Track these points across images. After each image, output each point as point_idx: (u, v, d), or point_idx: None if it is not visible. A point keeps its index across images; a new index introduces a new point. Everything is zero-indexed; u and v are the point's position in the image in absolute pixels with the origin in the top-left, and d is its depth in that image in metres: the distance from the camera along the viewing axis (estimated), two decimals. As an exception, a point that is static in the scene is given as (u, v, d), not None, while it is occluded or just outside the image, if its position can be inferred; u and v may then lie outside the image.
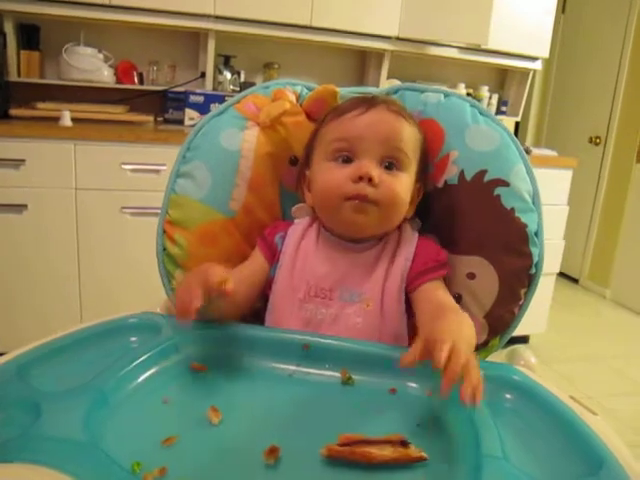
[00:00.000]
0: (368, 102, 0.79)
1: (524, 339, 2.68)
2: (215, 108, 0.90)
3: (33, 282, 2.03)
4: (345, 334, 0.73)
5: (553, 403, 0.58)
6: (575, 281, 3.79)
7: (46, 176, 1.94)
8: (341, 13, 2.43)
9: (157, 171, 2.01)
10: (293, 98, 0.89)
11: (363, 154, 0.77)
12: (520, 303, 0.82)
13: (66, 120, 2.01)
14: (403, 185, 0.78)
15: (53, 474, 0.42)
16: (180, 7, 2.24)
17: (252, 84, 2.44)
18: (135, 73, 2.42)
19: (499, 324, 0.81)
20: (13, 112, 2.08)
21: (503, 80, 3.06)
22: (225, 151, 0.86)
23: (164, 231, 0.85)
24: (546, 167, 2.42)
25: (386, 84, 0.95)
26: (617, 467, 0.48)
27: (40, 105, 2.13)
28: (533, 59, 2.83)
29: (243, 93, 0.91)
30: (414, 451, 0.49)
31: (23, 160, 1.91)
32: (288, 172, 0.89)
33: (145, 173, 2.02)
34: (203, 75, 2.50)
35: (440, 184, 0.85)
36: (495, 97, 2.96)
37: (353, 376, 0.64)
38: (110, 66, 2.34)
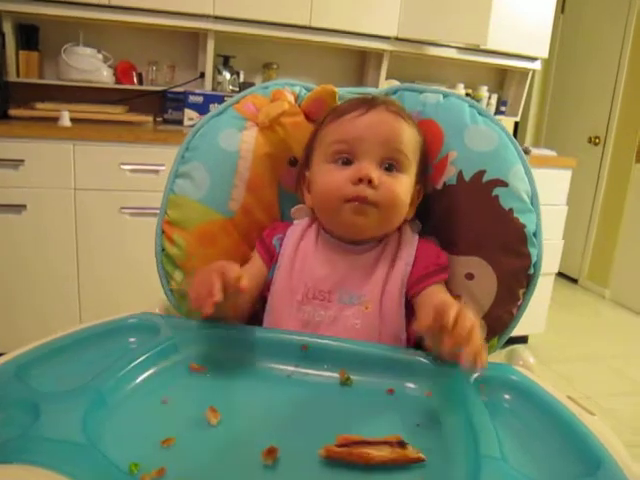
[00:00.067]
0: (368, 103, 0.79)
1: (523, 339, 2.68)
2: (214, 108, 0.90)
3: (32, 282, 2.03)
4: (344, 336, 0.73)
5: (551, 403, 0.58)
6: (574, 281, 3.79)
7: (45, 176, 1.94)
8: (340, 13, 2.43)
9: (156, 171, 2.01)
10: (292, 99, 0.90)
11: (363, 156, 0.77)
12: (519, 303, 0.82)
13: (65, 120, 2.01)
14: (403, 187, 0.78)
15: (51, 475, 0.42)
16: (179, 7, 2.24)
17: (251, 84, 2.44)
18: (134, 73, 2.42)
19: (498, 324, 0.82)
20: (12, 112, 2.08)
21: (502, 80, 3.07)
22: (224, 152, 0.86)
23: (163, 231, 0.86)
24: (545, 167, 2.42)
25: (385, 84, 0.95)
26: (615, 467, 0.48)
27: (39, 105, 2.13)
28: (532, 59, 2.84)
29: (242, 93, 0.91)
30: (412, 452, 0.49)
31: (22, 160, 1.91)
32: (287, 173, 0.89)
33: (144, 173, 2.02)
34: (202, 75, 2.51)
35: (439, 185, 0.85)
36: (494, 97, 2.96)
37: (351, 377, 0.64)
38: (109, 66, 2.34)
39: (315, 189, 0.81)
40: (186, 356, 0.65)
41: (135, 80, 2.42)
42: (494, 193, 0.81)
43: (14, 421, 0.49)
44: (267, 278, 0.82)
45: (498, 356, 0.79)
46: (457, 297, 0.82)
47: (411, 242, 0.81)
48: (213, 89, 2.50)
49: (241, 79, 2.56)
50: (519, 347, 0.82)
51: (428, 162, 0.84)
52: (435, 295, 0.77)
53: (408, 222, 0.84)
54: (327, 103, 0.88)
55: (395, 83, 0.94)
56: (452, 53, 2.70)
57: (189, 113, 2.34)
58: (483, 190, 0.81)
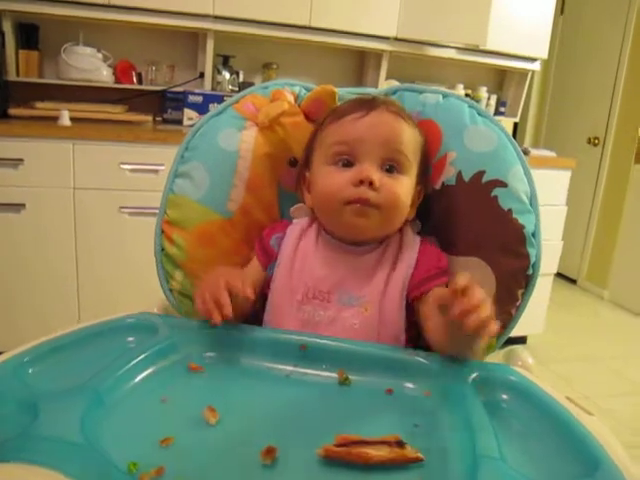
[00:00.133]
0: (368, 104, 0.79)
1: (522, 340, 2.68)
2: (214, 108, 0.90)
3: (31, 281, 2.03)
4: (342, 336, 0.72)
5: (549, 404, 0.58)
6: (573, 282, 3.79)
7: (44, 175, 1.94)
8: (340, 13, 2.43)
9: (156, 171, 2.01)
10: (291, 99, 0.90)
11: (363, 157, 0.76)
12: (517, 304, 0.82)
13: (65, 120, 2.01)
14: (404, 188, 0.78)
15: (50, 474, 0.42)
16: (179, 7, 2.24)
17: (251, 84, 2.44)
18: (134, 73, 2.42)
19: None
20: (12, 111, 2.08)
21: (502, 81, 3.07)
22: (223, 152, 0.86)
23: (162, 231, 0.86)
24: (545, 168, 2.42)
25: (384, 85, 0.95)
26: (613, 468, 0.48)
27: (39, 104, 2.13)
28: (532, 60, 2.84)
29: (242, 93, 0.91)
30: (410, 451, 0.49)
31: (22, 159, 1.90)
32: (287, 173, 0.89)
33: (144, 173, 2.02)
34: (202, 75, 2.50)
35: (438, 185, 0.85)
36: (494, 98, 2.96)
37: (350, 376, 0.64)
38: (109, 66, 2.34)
39: (316, 190, 0.81)
40: (184, 356, 0.65)
41: (135, 80, 2.42)
42: (493, 194, 0.81)
43: (12, 420, 0.49)
44: (265, 278, 0.82)
45: (496, 356, 0.80)
46: None
47: (413, 244, 0.81)
48: (213, 89, 2.50)
49: (241, 79, 2.56)
50: (518, 347, 0.82)
51: (429, 163, 0.84)
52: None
53: (409, 223, 0.84)
54: (327, 103, 0.88)
55: (394, 83, 0.94)
56: (451, 53, 2.70)
57: (188, 113, 2.34)
58: (482, 190, 0.82)
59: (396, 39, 2.56)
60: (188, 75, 2.52)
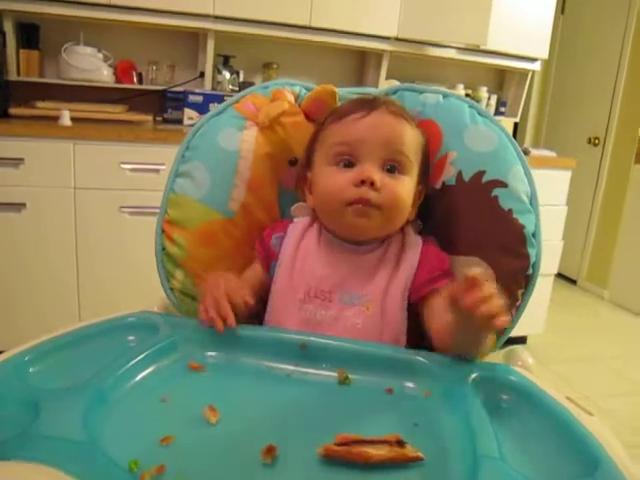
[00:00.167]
0: (369, 104, 0.79)
1: (522, 340, 2.68)
2: (214, 108, 0.90)
3: (31, 280, 2.03)
4: (344, 335, 0.73)
5: (549, 404, 0.59)
6: (573, 282, 3.79)
7: (45, 175, 1.94)
8: (340, 13, 2.43)
9: (156, 170, 2.01)
10: (292, 98, 0.90)
11: (365, 158, 0.76)
12: (517, 304, 0.82)
13: (65, 119, 2.01)
14: (405, 188, 0.78)
15: (51, 472, 0.42)
16: (179, 7, 2.24)
17: (251, 84, 2.44)
18: (134, 73, 2.42)
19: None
20: (12, 111, 2.08)
21: (502, 81, 3.07)
22: (224, 151, 0.86)
23: (163, 230, 0.86)
24: (545, 168, 2.42)
25: (385, 84, 0.95)
26: (613, 468, 0.48)
27: (39, 104, 2.13)
28: (532, 60, 2.84)
29: (242, 93, 0.91)
30: (410, 451, 0.49)
31: (22, 159, 1.91)
32: (287, 173, 0.89)
33: (144, 172, 2.02)
34: (202, 75, 2.50)
35: (438, 185, 0.85)
36: (494, 98, 2.96)
37: (350, 376, 0.64)
38: (109, 66, 2.34)
39: (317, 191, 0.81)
40: (185, 354, 0.65)
41: (135, 79, 2.42)
42: (493, 194, 0.81)
43: (13, 419, 0.49)
44: (266, 279, 0.82)
45: (497, 356, 0.80)
46: None
47: (415, 245, 0.81)
48: (213, 89, 2.50)
49: (241, 79, 2.56)
50: (518, 347, 0.82)
51: (430, 162, 0.84)
52: (445, 306, 0.77)
53: (410, 222, 0.84)
54: (327, 103, 0.88)
55: (395, 83, 0.94)
56: (452, 53, 2.70)
57: (189, 112, 2.34)
58: (482, 190, 0.82)
59: (396, 39, 2.56)
60: (188, 75, 2.52)
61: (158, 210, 0.86)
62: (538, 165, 2.37)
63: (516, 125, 3.13)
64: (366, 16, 2.47)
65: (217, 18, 2.31)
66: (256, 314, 0.82)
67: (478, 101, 2.82)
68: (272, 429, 0.53)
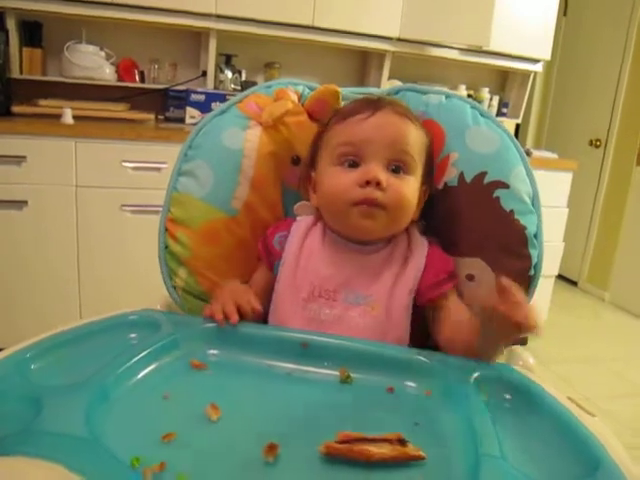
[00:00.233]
0: (374, 105, 0.79)
1: (522, 340, 2.68)
2: (216, 107, 0.90)
3: (32, 279, 2.03)
4: (349, 335, 0.72)
5: (551, 404, 0.59)
6: (574, 284, 3.79)
7: (47, 173, 1.95)
8: (343, 14, 2.43)
9: (158, 169, 2.02)
10: (295, 98, 0.90)
11: (370, 158, 0.76)
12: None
13: (67, 117, 2.01)
14: (410, 188, 0.78)
15: (53, 467, 0.42)
16: (182, 6, 2.24)
17: (253, 83, 2.44)
18: (136, 71, 2.42)
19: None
20: (15, 109, 2.08)
21: (504, 82, 3.07)
22: (227, 150, 0.86)
23: (166, 229, 0.86)
24: (546, 169, 2.43)
25: (387, 85, 0.95)
26: (614, 468, 0.48)
27: (42, 102, 2.13)
28: (534, 61, 2.84)
29: (245, 92, 0.91)
30: (412, 449, 0.49)
31: (24, 157, 1.91)
32: (290, 171, 0.90)
33: (146, 171, 2.02)
34: (204, 74, 2.51)
35: (440, 186, 0.85)
36: (496, 99, 2.96)
37: (351, 375, 0.64)
38: (112, 64, 2.34)
39: (322, 191, 0.81)
40: (187, 352, 0.65)
41: (137, 78, 2.42)
42: (495, 195, 0.81)
43: (15, 415, 0.49)
44: (272, 278, 0.82)
45: (498, 357, 0.80)
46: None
47: (421, 246, 0.81)
48: (215, 88, 2.51)
49: (243, 78, 2.56)
50: (518, 348, 0.82)
51: (434, 162, 0.84)
52: (455, 310, 0.78)
53: (415, 223, 0.84)
54: (330, 103, 0.88)
55: (397, 83, 0.94)
56: (454, 54, 2.70)
57: (191, 111, 2.35)
58: (484, 192, 0.82)
59: (399, 39, 2.56)
60: (190, 74, 2.52)
61: (160, 209, 0.86)
62: (539, 166, 2.37)
63: (518, 126, 3.13)
64: (369, 16, 2.47)
65: (219, 17, 2.32)
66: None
67: (480, 102, 2.82)
68: (274, 427, 0.53)
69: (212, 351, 0.67)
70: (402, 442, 0.50)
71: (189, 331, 0.68)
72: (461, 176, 0.83)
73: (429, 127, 0.85)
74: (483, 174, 0.82)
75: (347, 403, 0.60)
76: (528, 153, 2.46)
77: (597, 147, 3.62)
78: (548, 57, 2.82)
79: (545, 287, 2.55)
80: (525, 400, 0.60)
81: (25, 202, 1.95)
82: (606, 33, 3.55)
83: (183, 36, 2.49)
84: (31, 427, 0.47)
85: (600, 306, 3.46)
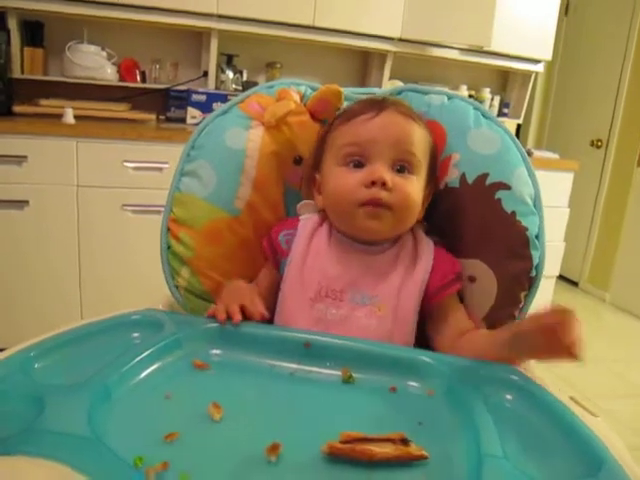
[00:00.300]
0: (378, 105, 0.79)
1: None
2: (217, 107, 0.90)
3: (33, 278, 2.03)
4: (356, 335, 0.72)
5: (553, 404, 0.59)
6: (575, 284, 3.79)
7: (48, 173, 1.95)
8: (344, 13, 2.43)
9: (159, 169, 2.01)
10: (297, 98, 0.90)
11: (375, 158, 0.76)
12: (520, 306, 0.82)
13: (69, 117, 2.01)
14: (415, 188, 0.78)
15: (56, 467, 0.42)
16: (183, 6, 2.25)
17: (254, 83, 2.44)
18: (138, 71, 2.43)
19: (499, 326, 0.81)
20: (16, 109, 2.08)
21: (505, 82, 3.07)
22: (230, 150, 0.86)
23: (168, 229, 0.86)
24: (547, 169, 2.43)
25: (388, 85, 0.95)
26: (617, 469, 0.48)
27: (43, 102, 2.13)
28: (535, 61, 2.84)
29: (247, 92, 0.91)
30: (415, 449, 0.49)
31: (25, 156, 1.91)
32: (292, 172, 0.90)
33: (147, 171, 2.03)
34: (205, 74, 2.51)
35: (441, 186, 0.85)
36: (497, 99, 2.96)
37: (354, 375, 0.64)
38: (113, 64, 2.35)
39: (327, 192, 0.81)
40: (190, 352, 0.65)
41: (138, 78, 2.43)
42: (497, 196, 0.81)
43: (18, 415, 0.49)
44: (279, 277, 0.82)
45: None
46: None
47: (428, 247, 0.81)
48: (216, 88, 2.51)
49: (244, 78, 2.56)
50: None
51: (437, 162, 0.85)
52: (453, 312, 0.79)
53: (419, 223, 0.84)
54: (332, 103, 0.88)
55: (398, 84, 0.94)
56: (455, 54, 2.70)
57: (192, 111, 2.35)
58: (486, 193, 0.82)
59: (400, 39, 2.57)
60: (192, 74, 2.53)
61: (161, 208, 0.87)
62: (541, 167, 2.37)
63: (519, 126, 3.13)
64: (370, 16, 2.47)
65: (221, 17, 2.32)
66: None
67: (481, 102, 2.82)
68: (276, 427, 0.53)
69: (215, 351, 0.67)
70: (405, 442, 0.50)
71: (192, 331, 0.68)
72: (463, 177, 0.83)
73: (431, 128, 0.85)
74: (485, 175, 0.82)
75: (350, 403, 0.60)
76: (529, 153, 2.46)
77: (598, 147, 3.62)
78: (549, 57, 2.82)
79: (546, 287, 2.54)
80: (527, 400, 0.60)
81: (26, 202, 1.95)
82: (607, 33, 3.55)
83: (184, 36, 2.49)
84: (33, 426, 0.47)
85: (601, 307, 3.46)
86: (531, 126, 3.99)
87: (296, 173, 0.89)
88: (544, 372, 0.66)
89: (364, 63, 2.82)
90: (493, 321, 0.81)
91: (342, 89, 0.89)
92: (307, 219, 0.85)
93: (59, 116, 2.02)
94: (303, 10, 2.38)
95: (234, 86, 2.51)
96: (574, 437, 0.53)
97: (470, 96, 2.76)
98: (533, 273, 0.81)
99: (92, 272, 2.07)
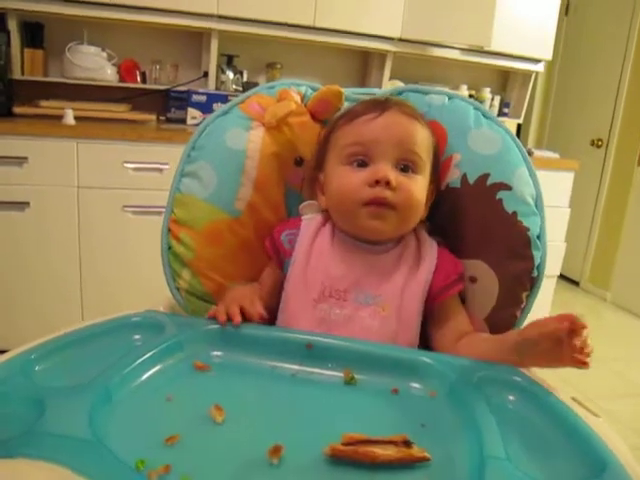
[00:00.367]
0: (381, 105, 0.79)
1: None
2: (218, 108, 0.90)
3: (34, 280, 2.03)
4: (360, 335, 0.73)
5: (555, 405, 0.58)
6: (576, 284, 3.78)
7: (48, 174, 1.95)
8: (344, 14, 2.43)
9: (159, 170, 2.01)
10: (298, 98, 0.89)
11: (378, 157, 0.76)
12: (522, 306, 0.82)
13: (69, 118, 2.01)
14: (419, 187, 0.78)
15: (56, 469, 0.42)
16: (183, 6, 2.25)
17: (255, 84, 2.44)
18: (138, 72, 2.42)
19: (500, 327, 0.81)
20: (17, 110, 2.08)
21: (505, 82, 3.07)
22: (230, 151, 0.86)
23: (169, 230, 0.86)
24: (548, 169, 2.42)
25: (388, 85, 0.95)
26: (620, 470, 0.48)
27: (43, 103, 2.13)
28: (536, 61, 2.84)
29: (247, 93, 0.91)
30: (417, 451, 0.49)
31: (26, 158, 1.91)
32: (293, 173, 0.89)
33: (147, 172, 2.02)
34: (206, 74, 2.51)
35: (442, 186, 0.85)
36: (497, 99, 2.96)
37: (356, 376, 0.64)
38: (113, 65, 2.34)
39: (331, 190, 0.81)
40: (190, 354, 0.65)
41: (139, 79, 2.43)
42: (498, 196, 0.81)
43: (19, 417, 0.49)
44: (282, 277, 0.82)
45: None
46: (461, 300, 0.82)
47: (431, 247, 0.81)
48: (216, 88, 2.51)
49: (244, 79, 2.56)
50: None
51: (440, 162, 0.85)
52: (454, 314, 0.79)
53: (422, 223, 0.84)
54: (333, 103, 0.88)
55: (398, 84, 0.94)
56: (455, 54, 2.70)
57: (192, 112, 2.35)
58: (487, 193, 0.81)
59: (400, 39, 2.56)
60: (192, 74, 2.52)
61: (162, 209, 0.86)
62: (541, 166, 2.37)
63: (519, 126, 3.13)
64: (370, 16, 2.47)
65: (221, 18, 2.32)
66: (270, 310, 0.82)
67: (481, 102, 2.82)
68: (278, 429, 0.53)
69: (216, 352, 0.67)
70: (407, 444, 0.50)
71: (193, 333, 0.68)
72: (464, 177, 0.83)
73: (432, 128, 0.85)
74: (486, 176, 0.82)
75: (352, 404, 0.60)
76: (530, 153, 2.45)
77: (599, 147, 3.62)
78: (549, 57, 2.82)
79: (547, 287, 2.53)
80: (530, 401, 0.60)
81: (27, 203, 1.95)
82: (608, 32, 3.55)
83: (184, 37, 2.49)
84: (34, 429, 0.46)
85: (602, 306, 3.46)
86: (531, 126, 3.99)
87: (297, 174, 0.89)
88: (544, 372, 0.66)
89: (364, 63, 2.81)
90: (494, 322, 0.81)
91: (343, 89, 0.89)
92: (310, 219, 0.85)
93: (59, 117, 2.01)
94: (303, 10, 2.38)
95: (234, 87, 2.51)
96: (577, 438, 0.53)
97: (470, 96, 2.76)
98: (535, 273, 0.81)
99: (93, 273, 2.07)
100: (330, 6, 2.40)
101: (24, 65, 2.24)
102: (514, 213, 0.80)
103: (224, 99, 2.31)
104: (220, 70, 2.50)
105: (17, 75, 2.21)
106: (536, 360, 0.65)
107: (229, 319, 0.69)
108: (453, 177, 0.84)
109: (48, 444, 0.45)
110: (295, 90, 0.91)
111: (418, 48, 2.63)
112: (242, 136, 0.86)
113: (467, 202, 0.83)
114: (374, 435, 0.50)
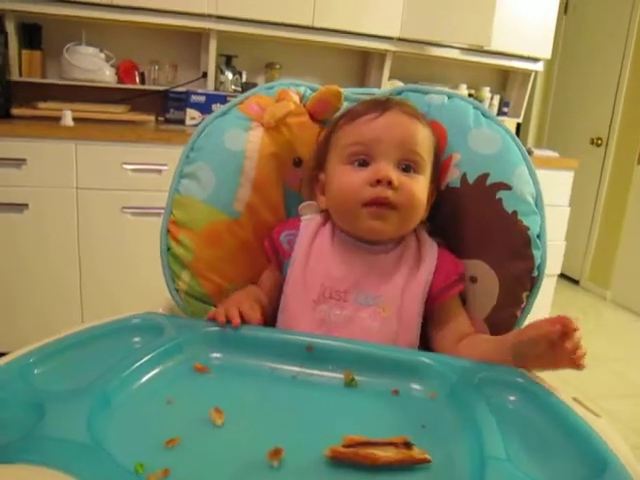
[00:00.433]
0: (382, 105, 0.79)
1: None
2: (217, 108, 0.90)
3: (33, 282, 2.03)
4: (360, 336, 0.72)
5: (556, 405, 0.58)
6: (576, 282, 3.78)
7: (47, 175, 1.95)
8: (343, 14, 2.43)
9: (158, 171, 2.01)
10: (297, 99, 0.89)
11: (380, 157, 0.76)
12: (522, 306, 0.82)
13: (67, 120, 2.01)
14: (420, 187, 0.78)
15: (56, 475, 0.42)
16: (182, 7, 2.24)
17: (254, 84, 2.44)
18: (136, 73, 2.42)
19: (501, 327, 0.81)
20: (15, 111, 2.08)
21: (505, 81, 3.07)
22: (229, 152, 0.85)
23: (168, 231, 0.85)
24: (547, 168, 2.42)
25: (388, 85, 0.95)
26: (621, 470, 0.48)
27: (41, 105, 2.13)
28: (535, 60, 2.84)
29: (246, 94, 0.91)
30: (418, 453, 0.49)
31: (24, 159, 1.91)
32: (292, 173, 0.89)
33: (146, 173, 2.02)
34: (205, 75, 2.51)
35: (442, 186, 0.85)
36: (497, 98, 2.96)
37: (356, 377, 0.63)
38: (111, 66, 2.34)
39: (332, 190, 0.81)
40: (190, 356, 0.65)
41: (137, 80, 2.42)
42: (498, 196, 0.81)
43: (18, 421, 0.49)
44: (281, 278, 0.82)
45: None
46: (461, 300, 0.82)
47: (431, 248, 0.81)
48: (215, 89, 2.50)
49: (243, 79, 2.56)
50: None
51: (440, 162, 0.84)
52: (455, 314, 0.79)
53: (422, 223, 0.84)
54: (332, 104, 0.88)
55: (398, 83, 0.94)
56: (455, 54, 2.69)
57: (191, 113, 2.35)
58: (487, 193, 0.81)
59: (399, 39, 2.56)
60: (191, 75, 2.52)
61: (161, 211, 0.86)
62: (541, 165, 2.37)
63: (519, 125, 3.13)
64: (369, 16, 2.47)
65: (219, 18, 2.32)
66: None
67: (481, 101, 2.82)
68: (278, 431, 0.53)
69: (215, 354, 0.66)
70: (408, 445, 0.49)
71: (192, 335, 0.68)
72: (464, 177, 0.83)
73: (432, 128, 0.85)
74: (486, 175, 0.81)
75: (352, 406, 0.60)
76: (529, 152, 2.45)
77: (598, 146, 3.62)
78: (549, 56, 2.82)
79: (547, 286, 2.53)
80: (530, 401, 0.60)
81: (26, 205, 1.95)
82: (607, 31, 3.55)
83: (183, 37, 2.49)
84: (33, 433, 0.46)
85: (602, 305, 3.46)
86: (531, 125, 3.99)
87: (295, 175, 0.89)
88: (545, 373, 0.66)
89: (363, 63, 2.81)
90: (495, 322, 0.81)
91: (342, 89, 0.89)
92: (310, 219, 0.84)
93: (58, 118, 2.01)
94: (302, 10, 2.38)
95: (233, 87, 2.51)
96: (578, 439, 0.53)
97: (470, 95, 2.76)
98: (535, 273, 0.80)
99: (92, 275, 2.07)
100: (329, 6, 2.39)
101: (22, 66, 2.23)
102: (514, 212, 0.80)
103: (223, 100, 2.31)
104: (219, 70, 2.50)
105: (15, 76, 2.21)
106: (534, 362, 0.65)
107: (228, 321, 0.69)
108: (453, 177, 0.84)
109: (47, 448, 0.45)
110: (294, 90, 0.90)
111: (417, 48, 2.62)
112: (241, 137, 0.86)
113: (467, 202, 0.83)
114: (374, 437, 0.50)
